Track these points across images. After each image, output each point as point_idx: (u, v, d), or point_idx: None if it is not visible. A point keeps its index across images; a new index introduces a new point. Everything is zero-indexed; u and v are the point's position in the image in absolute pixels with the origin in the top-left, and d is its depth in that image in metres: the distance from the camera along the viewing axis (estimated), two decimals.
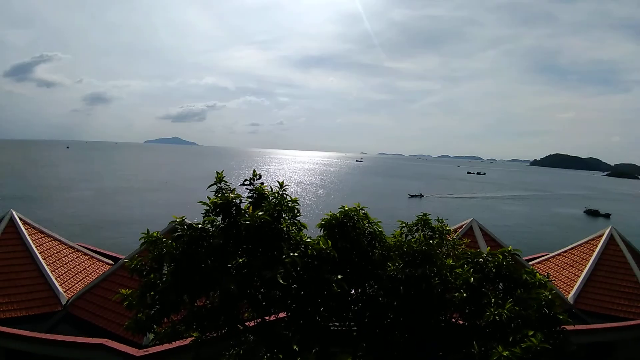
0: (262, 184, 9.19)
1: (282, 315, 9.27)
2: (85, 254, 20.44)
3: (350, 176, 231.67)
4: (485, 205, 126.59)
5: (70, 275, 18.19)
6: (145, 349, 12.34)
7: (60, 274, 17.73)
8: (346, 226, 10.09)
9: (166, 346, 11.40)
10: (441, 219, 11.53)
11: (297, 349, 8.20)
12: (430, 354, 9.88)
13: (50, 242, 19.08)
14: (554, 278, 19.77)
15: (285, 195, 9.00)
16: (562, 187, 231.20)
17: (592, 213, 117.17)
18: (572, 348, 8.60)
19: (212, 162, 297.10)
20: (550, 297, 8.64)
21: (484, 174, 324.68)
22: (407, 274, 9.42)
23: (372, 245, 10.29)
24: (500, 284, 9.54)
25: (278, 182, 9.15)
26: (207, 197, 8.65)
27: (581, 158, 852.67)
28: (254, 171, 9.29)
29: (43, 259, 17.57)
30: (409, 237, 10.98)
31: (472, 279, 9.14)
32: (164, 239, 8.44)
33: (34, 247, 17.76)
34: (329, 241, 8.73)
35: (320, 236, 9.32)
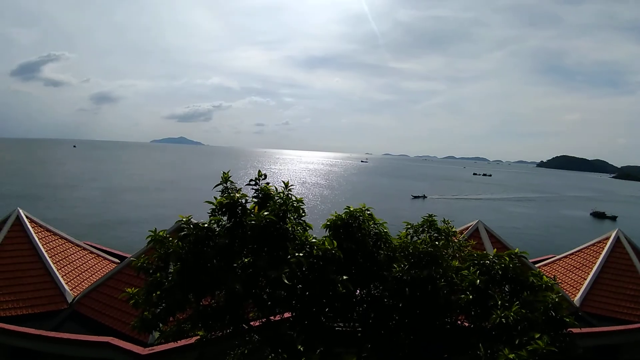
0: (268, 184, 9.19)
1: (287, 315, 9.27)
2: (91, 252, 20.54)
3: (355, 177, 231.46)
4: (492, 207, 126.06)
5: (77, 274, 18.28)
6: (150, 347, 12.38)
7: (66, 272, 17.83)
8: (351, 227, 10.08)
9: (172, 345, 11.43)
10: (447, 220, 11.48)
11: (301, 349, 8.20)
12: (436, 355, 9.85)
13: (56, 241, 19.19)
14: (560, 280, 19.66)
15: (290, 196, 9.01)
16: (569, 189, 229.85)
17: (599, 215, 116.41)
18: (579, 351, 8.54)
19: (217, 162, 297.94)
20: (557, 299, 8.59)
21: (490, 175, 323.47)
22: (412, 276, 9.39)
23: (378, 246, 10.27)
24: (507, 286, 9.48)
25: (283, 182, 9.15)
26: (214, 196, 8.68)
27: (587, 160, 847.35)
28: (259, 171, 9.30)
29: (49, 257, 17.66)
30: (415, 238, 10.94)
31: (478, 281, 9.10)
32: (171, 238, 8.47)
33: (40, 245, 17.86)
34: (334, 242, 8.73)
35: (325, 237, 9.32)
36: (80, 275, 18.36)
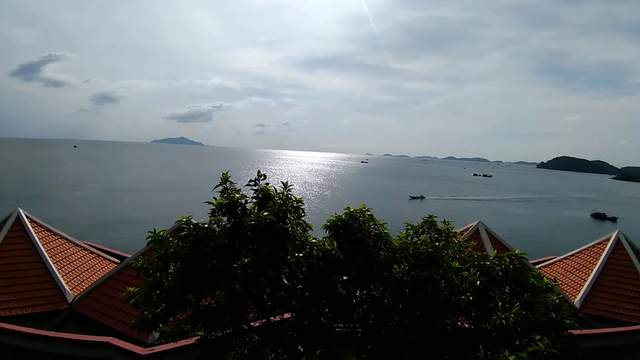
0: (267, 184, 9.19)
1: (287, 315, 9.27)
2: (91, 252, 20.56)
3: (355, 177, 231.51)
4: (492, 207, 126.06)
5: (77, 274, 18.29)
6: (150, 348, 12.37)
7: (66, 272, 17.84)
8: (351, 227, 10.06)
9: (171, 345, 11.43)
10: (447, 221, 11.47)
11: (301, 349, 8.19)
12: (436, 357, 9.83)
13: (57, 241, 19.20)
14: (560, 282, 19.65)
15: (290, 196, 9.01)
16: (569, 190, 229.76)
17: (599, 216, 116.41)
18: (579, 353, 8.53)
19: (218, 162, 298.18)
20: (557, 301, 8.58)
21: (491, 176, 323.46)
22: (412, 276, 9.37)
23: (378, 247, 10.25)
24: (507, 287, 9.46)
25: (282, 182, 9.15)
26: (213, 197, 8.68)
27: (588, 161, 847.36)
28: (259, 171, 9.30)
29: (50, 257, 17.68)
30: (415, 239, 10.93)
31: (478, 282, 9.08)
32: (171, 238, 8.47)
33: (40, 245, 17.88)
34: (334, 242, 8.72)
35: (325, 237, 9.30)
36: (81, 275, 18.37)
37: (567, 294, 19.17)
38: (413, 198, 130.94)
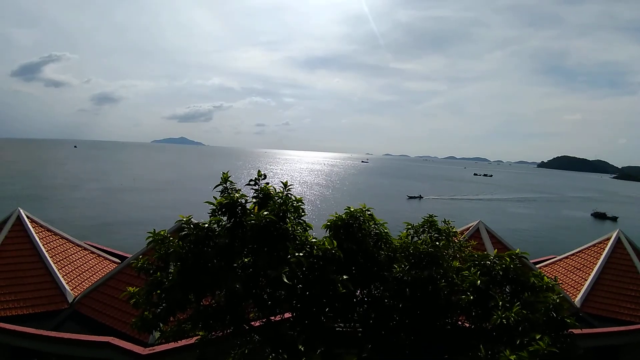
0: (267, 184, 9.19)
1: (287, 315, 9.27)
2: (92, 252, 20.55)
3: (356, 177, 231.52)
4: (492, 207, 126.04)
5: (77, 274, 18.29)
6: (150, 347, 12.37)
7: (67, 272, 17.83)
8: (352, 227, 10.05)
9: (172, 345, 11.42)
10: (448, 221, 11.46)
11: (302, 349, 8.19)
12: (436, 356, 9.84)
13: (57, 241, 19.19)
14: (561, 281, 19.65)
15: (290, 195, 9.00)
16: (569, 190, 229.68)
17: (600, 216, 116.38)
18: (579, 352, 8.53)
19: (218, 162, 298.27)
20: (557, 300, 8.57)
21: (491, 175, 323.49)
22: (413, 276, 9.37)
23: (378, 247, 10.24)
24: (508, 286, 9.46)
25: (282, 182, 9.14)
26: (213, 197, 8.68)
27: (588, 160, 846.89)
28: (259, 171, 9.30)
29: (50, 257, 17.67)
30: (415, 238, 10.92)
31: (479, 281, 9.08)
32: (171, 238, 8.47)
33: (41, 245, 17.87)
34: (335, 242, 8.72)
35: (325, 237, 9.30)
36: (81, 275, 18.37)
37: (568, 293, 19.17)
38: (411, 198, 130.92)
